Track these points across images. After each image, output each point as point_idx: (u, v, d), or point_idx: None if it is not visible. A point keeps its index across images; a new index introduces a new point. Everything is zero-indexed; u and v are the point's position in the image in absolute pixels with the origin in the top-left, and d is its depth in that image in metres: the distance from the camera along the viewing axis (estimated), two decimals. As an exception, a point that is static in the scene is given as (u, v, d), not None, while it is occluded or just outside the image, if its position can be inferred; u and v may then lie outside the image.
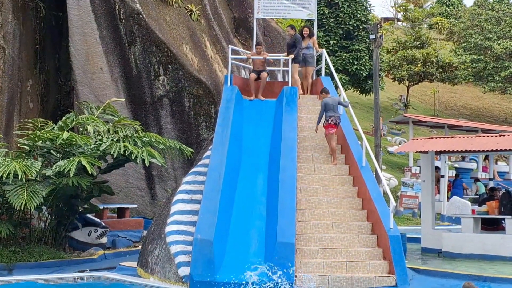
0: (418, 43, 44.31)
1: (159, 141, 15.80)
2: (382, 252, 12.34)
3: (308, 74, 16.95)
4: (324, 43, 30.31)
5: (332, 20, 31.16)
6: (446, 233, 15.81)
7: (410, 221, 23.89)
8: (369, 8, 33.20)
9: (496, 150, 14.93)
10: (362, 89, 32.84)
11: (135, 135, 15.80)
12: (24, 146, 15.47)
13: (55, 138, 14.65)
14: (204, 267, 11.23)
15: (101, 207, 17.39)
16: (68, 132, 14.98)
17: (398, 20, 67.82)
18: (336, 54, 30.80)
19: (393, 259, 11.96)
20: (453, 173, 25.59)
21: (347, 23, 31.19)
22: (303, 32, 17.33)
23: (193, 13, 21.07)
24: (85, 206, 16.11)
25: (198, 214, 12.30)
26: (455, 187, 23.93)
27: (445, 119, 31.79)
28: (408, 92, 44.87)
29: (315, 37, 17.43)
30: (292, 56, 16.60)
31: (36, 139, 15.02)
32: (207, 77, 19.83)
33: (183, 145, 16.46)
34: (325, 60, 17.19)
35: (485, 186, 24.48)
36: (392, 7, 70.19)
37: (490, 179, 26.16)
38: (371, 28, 25.61)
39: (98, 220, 16.81)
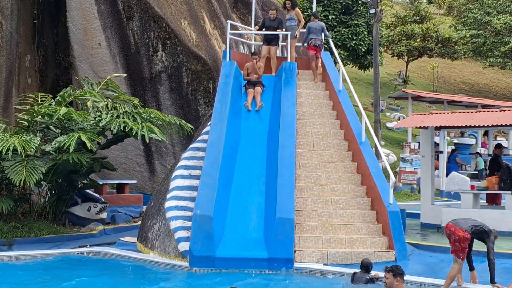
0: (417, 18, 44.04)
1: (158, 117, 15.75)
2: (381, 228, 12.39)
3: (291, 47, 16.47)
4: (323, 18, 30.08)
5: (331, -6, 30.92)
6: (445, 209, 15.85)
7: (409, 196, 23.95)
8: (368, -17, 32.91)
9: (497, 126, 14.92)
10: (361, 64, 32.67)
11: (134, 111, 15.74)
12: (23, 122, 15.43)
13: (53, 113, 14.59)
14: (204, 243, 11.27)
15: (101, 183, 17.39)
16: (66, 107, 14.92)
17: (398, -6, 67.36)
18: (335, 29, 30.59)
19: (392, 235, 12.02)
20: (451, 148, 25.66)
21: (346, -2, 30.94)
22: (286, 4, 17.05)
23: (191, -13, 20.88)
24: (85, 181, 16.11)
25: (197, 189, 12.33)
26: (450, 162, 24.08)
27: (444, 95, 31.72)
28: (407, 67, 44.70)
29: (298, 9, 17.12)
30: (289, 32, 16.47)
31: (34, 114, 14.97)
32: (206, 52, 19.74)
33: (183, 121, 16.43)
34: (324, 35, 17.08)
35: (485, 162, 24.53)
36: (392, -19, 69.68)
37: (489, 155, 26.17)
38: (371, 2, 25.41)
39: (98, 195, 16.83)
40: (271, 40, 16.51)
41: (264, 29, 16.70)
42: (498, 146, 17.86)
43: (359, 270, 9.98)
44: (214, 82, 18.91)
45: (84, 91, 15.56)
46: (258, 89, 15.23)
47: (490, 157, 22.32)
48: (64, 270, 11.40)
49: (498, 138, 30.57)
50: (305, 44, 16.52)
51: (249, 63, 15.63)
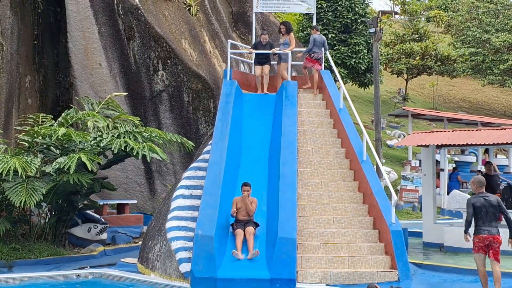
0: (416, 36, 44.19)
1: (159, 136, 15.72)
2: (384, 247, 12.30)
3: (282, 70, 16.76)
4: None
5: (330, 13, 31.03)
6: (447, 227, 15.75)
7: (410, 215, 23.84)
8: (367, 1, 33.08)
9: (498, 144, 14.87)
10: (360, 82, 32.72)
11: (135, 130, 15.71)
12: (24, 142, 15.39)
13: (52, 134, 14.56)
14: (205, 263, 11.17)
15: (101, 203, 17.32)
16: (66, 128, 14.89)
17: (396, 13, 67.66)
18: (335, 48, 30.69)
19: (395, 254, 11.92)
20: (452, 166, 25.61)
21: (345, 17, 31.06)
22: (280, 29, 17.21)
23: (191, 7, 20.97)
24: (85, 202, 16.04)
25: (198, 209, 12.25)
26: (451, 180, 24.01)
27: (444, 112, 31.73)
28: (406, 85, 44.78)
29: (292, 34, 17.29)
30: (286, 51, 16.68)
31: (34, 135, 14.94)
32: (206, 71, 19.76)
33: (184, 138, 16.39)
34: (324, 53, 17.13)
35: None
36: (390, 0, 70.07)
37: (489, 173, 26.09)
38: (370, 21, 25.50)
39: (98, 216, 16.75)
40: (263, 62, 16.55)
41: (255, 56, 16.75)
42: (486, 164, 17.93)
43: None
44: (215, 101, 18.90)
45: (88, 113, 15.53)
46: (250, 229, 11.84)
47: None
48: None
49: (498, 156, 30.54)
50: (307, 55, 16.88)
51: (239, 197, 12.31)
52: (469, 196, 17.84)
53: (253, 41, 18.17)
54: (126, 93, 18.77)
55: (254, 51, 16.85)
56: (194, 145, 16.62)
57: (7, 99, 18.00)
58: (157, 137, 15.70)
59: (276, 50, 16.70)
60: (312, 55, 16.70)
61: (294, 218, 12.02)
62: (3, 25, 17.93)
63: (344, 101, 15.60)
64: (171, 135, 16.15)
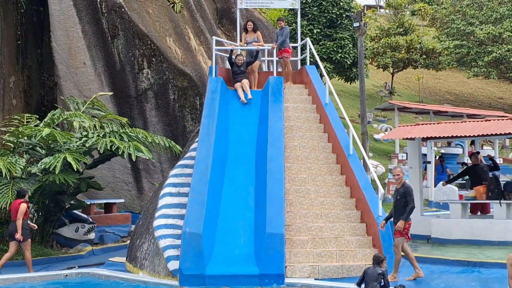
0: (401, 30, 44.34)
1: (146, 137, 15.66)
2: (371, 240, 12.35)
3: (254, 69, 16.78)
4: (308, 32, 30.23)
5: (315, 8, 31.06)
6: (434, 219, 15.82)
7: (398, 208, 23.84)
8: (351, -4, 33.14)
9: (483, 135, 14.93)
10: (347, 77, 32.80)
11: (121, 130, 15.65)
12: (9, 143, 15.31)
13: (36, 134, 14.48)
14: (194, 261, 11.18)
15: (88, 203, 17.27)
16: (51, 128, 14.80)
17: (381, 7, 67.81)
18: (320, 43, 30.71)
19: (382, 247, 11.98)
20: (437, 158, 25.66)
21: (330, 12, 31.11)
22: (247, 26, 17.15)
23: (175, 5, 20.90)
24: (72, 202, 15.98)
25: (186, 207, 12.24)
26: (439, 172, 24.05)
27: (430, 105, 31.84)
28: (392, 79, 44.92)
29: (259, 32, 17.30)
30: (274, 46, 16.89)
31: (19, 135, 14.86)
32: (192, 69, 19.72)
33: (172, 142, 16.30)
34: (310, 49, 17.14)
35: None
36: (375, -6, 70.21)
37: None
38: (354, 16, 25.53)
39: (85, 216, 16.70)
40: (241, 79, 16.14)
41: (232, 74, 16.39)
42: (472, 154, 17.97)
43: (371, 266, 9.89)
44: (201, 98, 18.88)
45: (74, 114, 15.46)
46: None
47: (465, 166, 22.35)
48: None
49: (484, 147, 30.67)
50: (282, 46, 17.13)
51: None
52: (455, 188, 17.99)
53: (238, 38, 18.13)
54: (112, 93, 18.70)
55: (243, 48, 16.89)
56: (181, 150, 16.51)
57: (-9, 100, 17.90)
58: (144, 137, 15.64)
59: (258, 47, 16.68)
60: (289, 45, 17.20)
61: (282, 214, 12.05)
62: (-15, 25, 17.83)
63: (330, 95, 15.62)
64: (159, 138, 16.07)
